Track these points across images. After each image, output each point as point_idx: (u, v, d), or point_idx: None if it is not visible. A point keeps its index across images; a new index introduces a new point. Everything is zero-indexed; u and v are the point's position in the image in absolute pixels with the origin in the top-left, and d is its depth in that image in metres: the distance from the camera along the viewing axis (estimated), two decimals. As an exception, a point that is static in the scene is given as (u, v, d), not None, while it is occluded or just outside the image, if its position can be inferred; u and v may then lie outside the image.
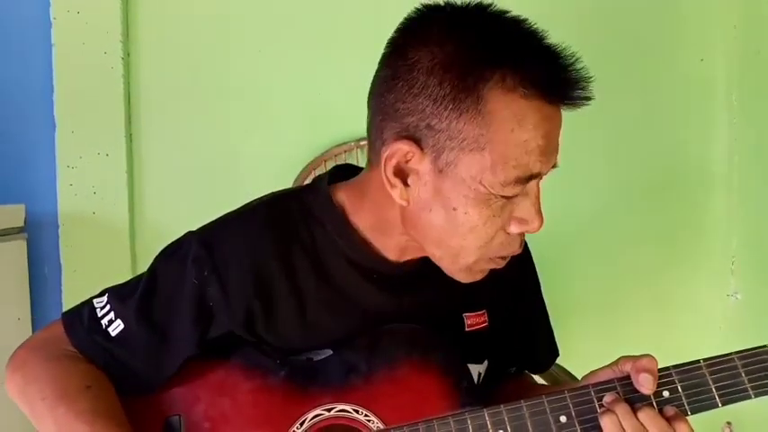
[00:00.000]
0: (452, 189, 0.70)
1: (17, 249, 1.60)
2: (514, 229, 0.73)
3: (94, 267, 1.65)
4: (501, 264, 0.78)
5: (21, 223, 1.62)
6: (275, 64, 1.72)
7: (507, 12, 0.72)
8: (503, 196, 0.70)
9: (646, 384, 0.71)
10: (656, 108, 1.85)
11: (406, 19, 0.74)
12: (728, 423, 1.87)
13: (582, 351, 1.71)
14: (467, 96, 0.67)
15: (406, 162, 0.72)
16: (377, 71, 0.76)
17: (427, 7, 0.74)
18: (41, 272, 1.66)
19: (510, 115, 0.67)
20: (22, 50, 1.65)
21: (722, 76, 1.86)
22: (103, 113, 1.65)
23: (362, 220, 0.81)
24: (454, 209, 0.71)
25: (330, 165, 1.69)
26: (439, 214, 0.72)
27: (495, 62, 0.67)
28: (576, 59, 0.71)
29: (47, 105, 1.64)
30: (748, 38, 1.81)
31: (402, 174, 0.73)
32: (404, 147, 0.71)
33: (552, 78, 0.69)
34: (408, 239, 0.79)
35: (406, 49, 0.71)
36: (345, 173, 0.88)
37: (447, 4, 0.73)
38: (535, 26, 0.72)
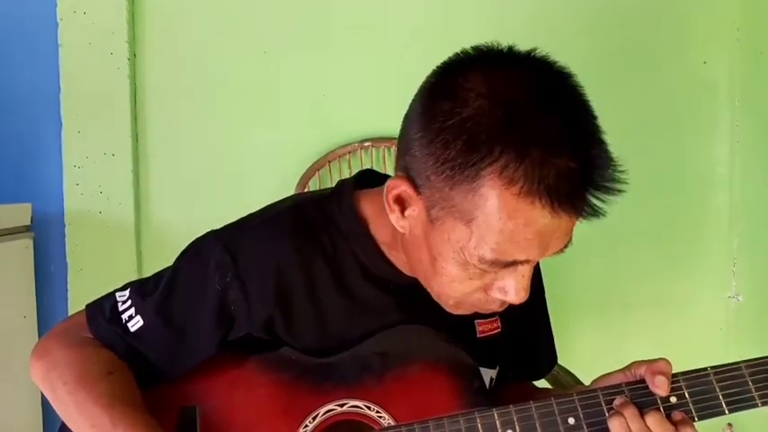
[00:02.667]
0: (438, 240, 0.70)
1: (24, 248, 1.62)
2: (495, 293, 0.73)
3: (100, 266, 1.67)
4: (484, 312, 0.78)
5: (27, 222, 1.64)
6: (280, 65, 1.73)
7: (552, 65, 0.68)
8: (481, 269, 0.69)
9: (661, 386, 0.72)
10: (659, 110, 1.85)
11: (447, 60, 0.71)
12: (729, 425, 1.88)
13: (582, 351, 1.72)
14: (465, 169, 0.64)
15: (405, 194, 0.72)
16: (416, 94, 0.73)
17: (467, 54, 0.70)
18: (48, 270, 1.68)
19: (501, 205, 0.64)
20: (29, 51, 1.66)
21: (725, 78, 1.86)
22: (110, 113, 1.67)
23: (381, 232, 0.82)
24: (436, 258, 0.72)
25: (334, 166, 1.70)
26: (425, 255, 0.73)
27: (503, 143, 0.63)
28: (597, 167, 0.65)
29: (53, 105, 1.65)
30: (751, 40, 1.81)
31: (401, 202, 0.73)
32: (403, 186, 0.71)
33: (556, 189, 0.63)
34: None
35: (435, 93, 0.69)
36: (370, 179, 0.88)
37: (487, 52, 0.69)
38: (578, 95, 0.67)
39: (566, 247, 0.70)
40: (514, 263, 0.69)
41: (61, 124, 1.65)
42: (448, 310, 0.78)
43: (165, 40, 1.71)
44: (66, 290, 1.67)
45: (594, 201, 0.65)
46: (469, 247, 0.67)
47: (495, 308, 0.75)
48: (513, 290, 0.71)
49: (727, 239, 1.88)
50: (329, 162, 1.71)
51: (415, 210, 0.71)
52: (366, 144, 1.70)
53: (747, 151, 1.83)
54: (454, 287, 0.73)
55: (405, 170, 0.71)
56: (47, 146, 1.66)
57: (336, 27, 1.74)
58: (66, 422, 0.79)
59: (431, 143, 0.66)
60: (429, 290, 0.78)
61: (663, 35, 1.85)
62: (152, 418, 0.76)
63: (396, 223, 0.74)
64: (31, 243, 1.64)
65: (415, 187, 0.70)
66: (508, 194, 0.63)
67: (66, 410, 0.78)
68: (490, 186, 0.63)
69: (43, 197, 1.67)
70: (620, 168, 0.68)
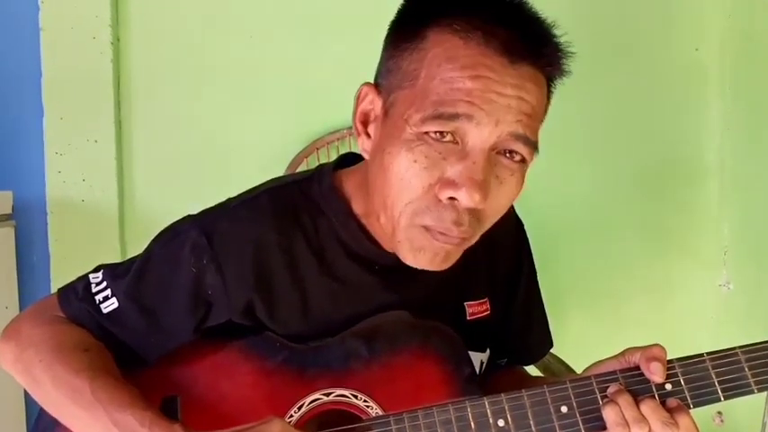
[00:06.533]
0: (390, 129, 0.72)
1: (5, 237, 1.59)
2: (442, 191, 0.68)
3: (83, 255, 1.63)
4: (441, 242, 0.71)
5: (8, 210, 1.61)
6: (267, 50, 1.71)
7: None
8: (423, 133, 0.68)
9: (657, 372, 0.71)
10: (650, 97, 1.85)
11: None
12: (719, 413, 1.88)
13: (573, 341, 1.71)
14: (413, 36, 0.71)
15: (370, 108, 0.76)
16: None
17: None
18: (30, 260, 1.65)
19: (442, 51, 0.68)
20: (10, 35, 1.62)
21: (716, 65, 1.86)
22: (92, 99, 1.63)
23: (360, 207, 0.81)
24: (384, 151, 0.71)
25: (322, 153, 1.68)
26: (378, 162, 0.72)
27: (447, 8, 0.70)
28: (537, 19, 0.73)
29: (35, 91, 1.61)
30: (742, 26, 1.80)
31: (366, 122, 0.76)
32: (367, 89, 0.76)
33: (493, 28, 0.68)
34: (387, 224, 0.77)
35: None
36: (351, 162, 0.86)
37: None
38: None
39: (522, 141, 0.70)
40: (457, 116, 0.67)
41: (43, 110, 1.62)
42: (409, 259, 0.74)
43: (149, 24, 1.68)
44: (49, 280, 1.64)
45: (527, 46, 0.69)
46: (413, 109, 0.69)
47: (449, 224, 0.69)
48: (463, 178, 0.67)
49: (718, 227, 1.88)
50: (317, 149, 1.68)
51: (376, 115, 0.75)
52: (355, 131, 1.67)
53: (738, 138, 1.82)
54: (401, 183, 0.70)
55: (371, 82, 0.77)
56: (28, 132, 1.62)
57: (324, 11, 1.71)
58: (43, 404, 0.76)
59: (388, 37, 0.75)
60: (389, 217, 0.73)
61: (654, 21, 1.84)
62: (135, 389, 0.74)
63: (362, 147, 0.77)
64: (12, 232, 1.61)
65: (377, 86, 0.75)
66: (449, 41, 0.68)
67: (42, 390, 0.75)
68: (434, 39, 0.69)
69: (24, 185, 1.63)
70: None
